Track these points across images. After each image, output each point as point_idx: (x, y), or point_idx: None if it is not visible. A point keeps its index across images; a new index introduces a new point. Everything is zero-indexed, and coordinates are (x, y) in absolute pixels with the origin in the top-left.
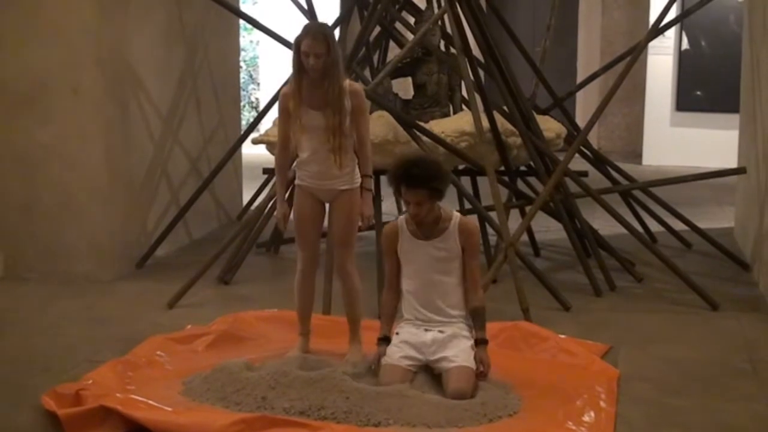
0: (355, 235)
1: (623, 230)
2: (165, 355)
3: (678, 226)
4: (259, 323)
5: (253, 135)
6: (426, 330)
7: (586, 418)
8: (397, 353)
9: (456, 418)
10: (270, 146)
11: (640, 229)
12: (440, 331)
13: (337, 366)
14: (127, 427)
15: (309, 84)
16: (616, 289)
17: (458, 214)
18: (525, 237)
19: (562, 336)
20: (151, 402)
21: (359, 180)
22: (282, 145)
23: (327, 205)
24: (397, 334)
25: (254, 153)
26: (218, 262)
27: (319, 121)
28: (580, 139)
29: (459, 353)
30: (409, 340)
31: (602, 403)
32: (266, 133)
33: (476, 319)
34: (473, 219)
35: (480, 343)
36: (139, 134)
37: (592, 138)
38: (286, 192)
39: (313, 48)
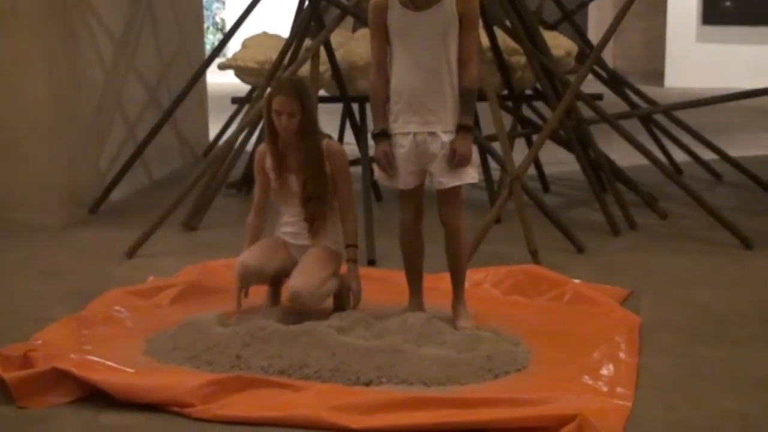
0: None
1: (644, 160)
2: (124, 310)
3: (706, 155)
4: (229, 273)
5: (219, 60)
6: (415, 134)
7: (604, 372)
8: (402, 171)
9: (457, 375)
10: (239, 71)
11: (663, 159)
12: (431, 134)
13: (322, 319)
14: (83, 392)
15: (284, 145)
16: (637, 228)
17: None
18: (532, 170)
19: (577, 281)
20: (109, 363)
21: (341, 248)
22: (258, 207)
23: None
24: (393, 133)
25: (221, 81)
26: (183, 205)
27: (295, 186)
28: (593, 57)
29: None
30: (406, 154)
31: (622, 355)
32: (234, 57)
33: (463, 100)
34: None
35: (461, 129)
36: (88, 61)
37: (607, 56)
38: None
39: (285, 106)
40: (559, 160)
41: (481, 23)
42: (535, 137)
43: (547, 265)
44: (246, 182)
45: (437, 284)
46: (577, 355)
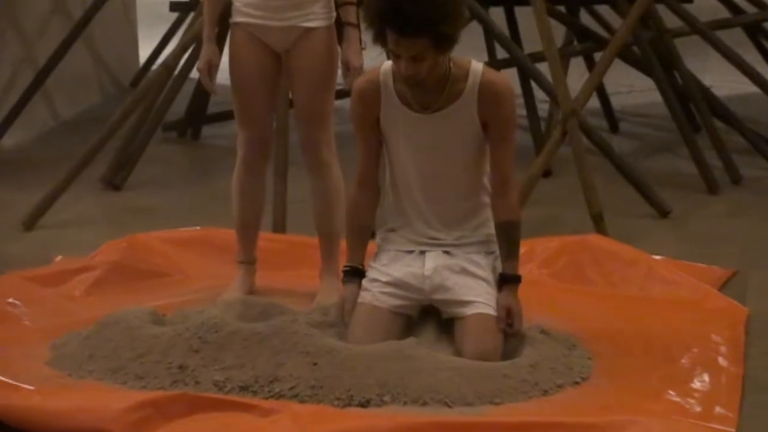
0: (331, 102)
1: (752, 87)
2: (21, 304)
3: None
4: (170, 249)
5: None
6: (422, 252)
7: (696, 385)
8: (377, 289)
9: (491, 390)
10: None
11: None
12: (446, 252)
13: (299, 313)
14: None
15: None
16: (742, 182)
17: (480, 65)
18: (595, 103)
19: (657, 257)
20: (1, 378)
21: (334, 13)
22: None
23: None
24: (376, 255)
25: None
26: (103, 156)
27: None
28: None
29: (478, 293)
30: (397, 274)
31: (722, 361)
32: None
33: (504, 240)
34: (506, 75)
35: (508, 280)
36: None
37: None
38: (216, 28)
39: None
40: (632, 88)
41: None
42: (598, 56)
43: (616, 235)
44: (191, 122)
45: None
46: (659, 363)
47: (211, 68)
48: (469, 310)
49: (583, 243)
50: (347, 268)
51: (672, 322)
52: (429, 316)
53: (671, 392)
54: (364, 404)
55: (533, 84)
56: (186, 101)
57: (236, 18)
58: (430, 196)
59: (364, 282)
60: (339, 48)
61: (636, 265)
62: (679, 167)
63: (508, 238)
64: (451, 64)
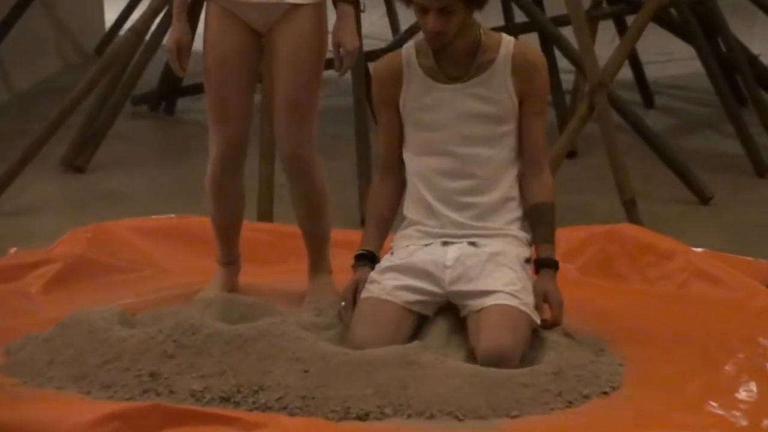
0: (317, 92)
1: None
2: None
3: None
4: (140, 240)
5: None
6: (445, 243)
7: (742, 395)
8: (390, 281)
9: (507, 402)
10: None
11: None
12: (471, 244)
13: (288, 314)
14: None
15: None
16: None
17: (511, 38)
18: (627, 73)
19: (697, 249)
20: None
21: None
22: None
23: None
24: (391, 253)
25: None
26: (64, 132)
27: None
28: None
29: (504, 283)
30: (415, 260)
31: None
32: None
33: (539, 223)
34: (536, 44)
35: (545, 265)
36: None
37: None
38: (186, 3)
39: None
40: (670, 56)
41: None
42: (630, 19)
43: (651, 224)
44: (165, 95)
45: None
46: (699, 369)
47: (181, 49)
48: (489, 301)
49: (613, 233)
50: (360, 253)
51: (714, 323)
52: (439, 317)
53: (713, 403)
54: (363, 417)
55: (556, 52)
56: (158, 71)
57: None
58: (457, 179)
59: (373, 274)
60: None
61: (673, 259)
62: (722, 147)
63: (545, 221)
64: (481, 32)
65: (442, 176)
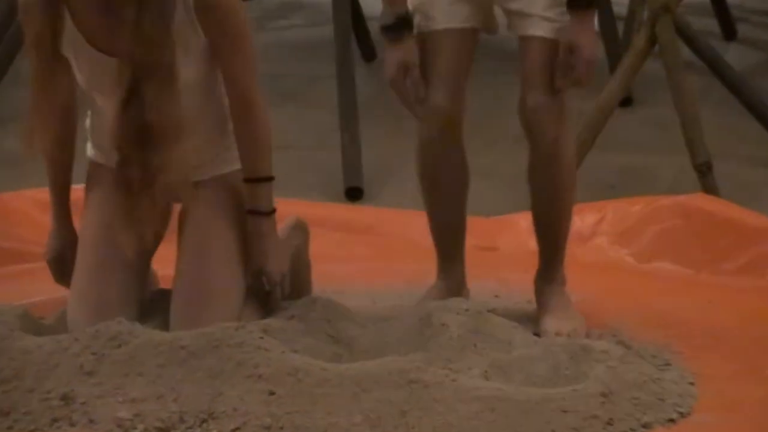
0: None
1: None
2: None
3: None
4: (46, 217)
5: None
6: None
7: None
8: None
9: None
10: None
11: None
12: None
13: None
14: None
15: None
16: None
17: None
18: None
19: None
20: None
21: (237, 162)
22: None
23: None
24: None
25: None
26: None
27: (112, 67)
28: None
29: (544, 6)
30: None
31: None
32: None
33: None
34: None
35: (577, 6)
36: None
37: None
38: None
39: None
40: None
41: None
42: None
43: (732, 195)
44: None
45: (496, 234)
46: None
47: (63, 262)
48: (528, 28)
49: (681, 207)
50: (391, 21)
51: None
52: (450, 321)
53: None
54: None
55: None
56: None
57: (95, 158)
58: None
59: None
60: None
61: (760, 240)
62: None
63: None
64: None
65: None
